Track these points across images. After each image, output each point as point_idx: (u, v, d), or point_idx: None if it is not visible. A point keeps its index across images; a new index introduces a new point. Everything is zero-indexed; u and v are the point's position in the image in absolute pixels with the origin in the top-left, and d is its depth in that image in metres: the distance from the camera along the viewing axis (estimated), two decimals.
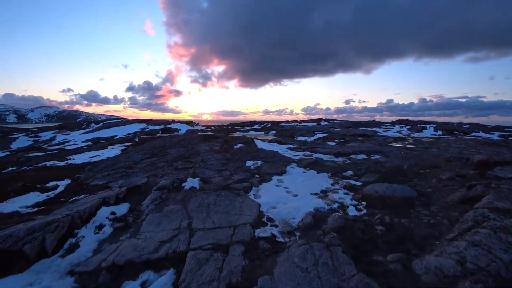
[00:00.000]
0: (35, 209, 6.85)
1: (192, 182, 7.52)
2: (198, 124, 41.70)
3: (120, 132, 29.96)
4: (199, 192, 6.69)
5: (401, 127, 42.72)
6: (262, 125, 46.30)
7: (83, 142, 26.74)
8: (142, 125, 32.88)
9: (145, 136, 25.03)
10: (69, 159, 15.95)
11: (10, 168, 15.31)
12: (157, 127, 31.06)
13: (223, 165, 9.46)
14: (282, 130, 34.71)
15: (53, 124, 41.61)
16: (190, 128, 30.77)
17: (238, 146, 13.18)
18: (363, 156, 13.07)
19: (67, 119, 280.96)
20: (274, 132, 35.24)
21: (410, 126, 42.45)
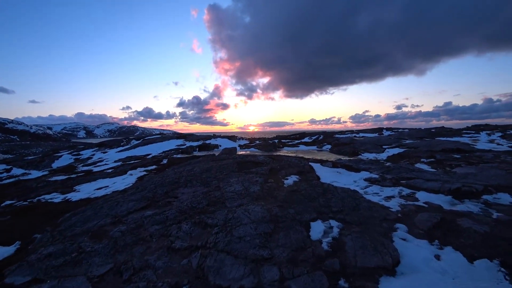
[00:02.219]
0: None
1: None
2: (241, 138, 37.62)
3: (155, 149, 27.19)
4: None
5: (488, 134, 34.14)
6: (313, 137, 40.63)
7: (114, 161, 24.26)
8: (180, 141, 29.82)
9: (178, 156, 21.48)
10: (74, 190, 12.65)
11: (7, 202, 12.46)
12: (194, 144, 27.65)
13: (264, 237, 4.63)
14: (339, 144, 28.86)
15: (95, 141, 41.11)
16: (229, 146, 26.63)
17: (290, 180, 8.27)
18: (508, 198, 7.46)
19: (126, 134, 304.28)
20: (329, 146, 29.55)
21: (501, 133, 33.66)
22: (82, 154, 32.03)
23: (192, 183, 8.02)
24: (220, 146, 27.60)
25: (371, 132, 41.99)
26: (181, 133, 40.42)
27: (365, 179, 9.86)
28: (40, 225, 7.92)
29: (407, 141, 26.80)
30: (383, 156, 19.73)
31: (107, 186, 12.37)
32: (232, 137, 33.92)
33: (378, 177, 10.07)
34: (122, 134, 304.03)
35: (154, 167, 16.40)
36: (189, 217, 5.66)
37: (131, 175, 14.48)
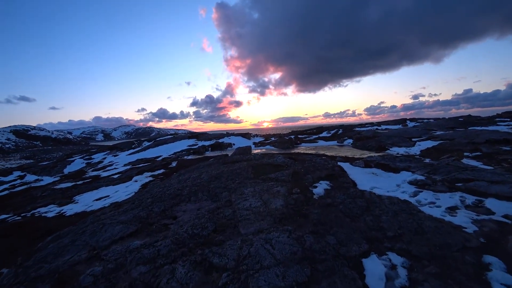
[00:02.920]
0: None
1: None
2: (256, 136, 35.82)
3: (167, 151, 26.01)
4: None
5: None
6: (332, 131, 38.43)
7: (124, 165, 23.23)
8: (192, 141, 28.48)
9: (189, 157, 20.10)
10: (72, 201, 11.44)
11: (2, 216, 11.41)
12: (207, 143, 26.21)
13: None
14: (362, 137, 26.72)
15: (110, 143, 40.51)
16: (243, 144, 24.92)
17: (320, 188, 6.55)
18: None
19: (142, 135, 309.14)
20: (350, 141, 27.45)
21: None
22: (93, 158, 31.37)
23: (197, 195, 6.45)
24: (234, 144, 26.02)
25: (394, 124, 39.27)
26: (193, 133, 39.26)
27: (410, 182, 8.00)
28: (19, 250, 6.67)
29: (438, 132, 24.37)
30: (415, 150, 17.60)
31: (108, 196, 11.07)
32: (246, 134, 32.20)
33: (425, 179, 8.19)
34: (139, 136, 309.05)
35: (161, 171, 15.05)
36: (188, 251, 4.07)
37: (136, 181, 13.17)
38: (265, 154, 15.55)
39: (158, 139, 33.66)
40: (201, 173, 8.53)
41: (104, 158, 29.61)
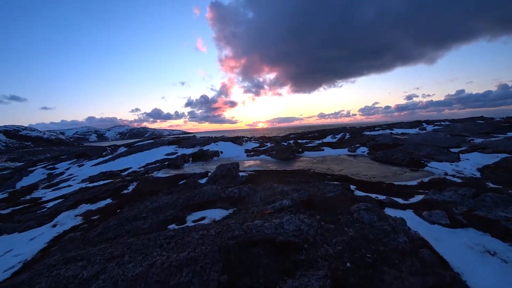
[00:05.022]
0: None
1: None
2: (249, 140, 30.32)
3: (139, 161, 21.01)
4: None
5: None
6: (337, 136, 33.43)
7: (82, 181, 18.19)
8: (171, 148, 23.42)
9: (159, 174, 15.03)
10: None
11: None
12: (188, 151, 21.12)
13: None
14: (379, 145, 21.83)
15: (105, 144, 35.28)
16: (232, 152, 19.65)
17: None
18: None
19: (137, 136, 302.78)
20: (365, 149, 22.52)
21: None
22: (57, 168, 26.23)
23: None
24: (222, 153, 20.89)
25: (409, 127, 34.29)
26: (176, 137, 34.25)
27: None
28: None
29: (477, 140, 19.58)
30: (467, 167, 12.76)
31: None
32: (237, 139, 26.13)
33: None
34: (133, 136, 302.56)
35: (106, 202, 10.05)
36: None
37: (54, 226, 8.21)
38: (257, 174, 10.62)
39: (135, 145, 28.30)
40: (105, 265, 3.55)
41: (68, 169, 24.50)
